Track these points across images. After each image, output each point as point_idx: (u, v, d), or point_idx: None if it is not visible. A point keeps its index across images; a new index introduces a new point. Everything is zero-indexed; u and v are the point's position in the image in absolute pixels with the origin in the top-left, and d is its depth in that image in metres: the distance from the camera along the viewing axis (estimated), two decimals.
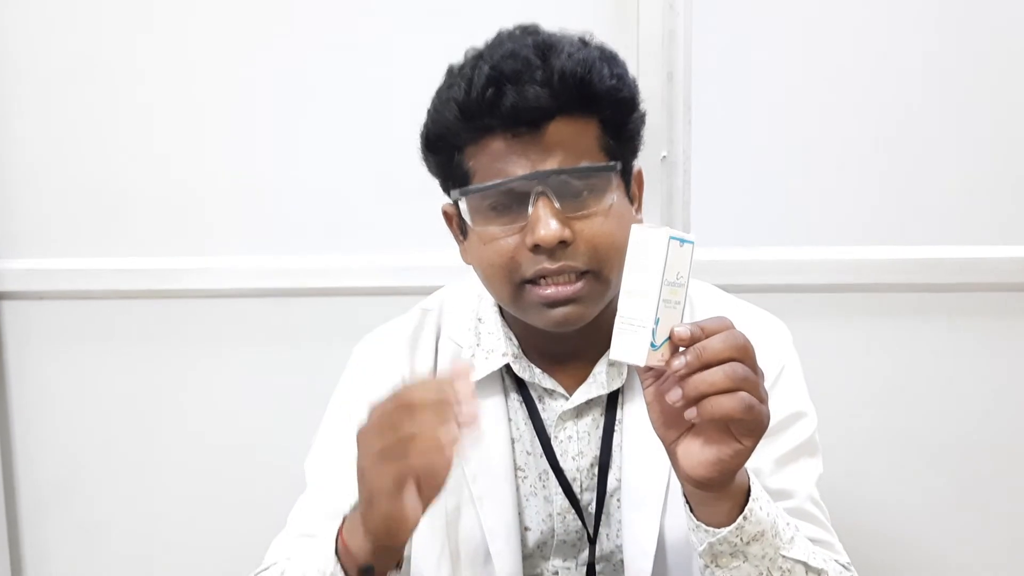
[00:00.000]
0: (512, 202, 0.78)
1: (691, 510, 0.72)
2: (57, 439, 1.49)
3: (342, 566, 0.70)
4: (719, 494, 0.69)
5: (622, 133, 0.82)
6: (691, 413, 0.64)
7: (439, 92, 0.83)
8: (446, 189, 0.85)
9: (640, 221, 0.86)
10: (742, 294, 0.99)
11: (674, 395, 0.64)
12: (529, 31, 0.81)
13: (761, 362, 0.85)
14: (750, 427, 0.64)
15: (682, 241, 0.65)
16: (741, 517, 0.69)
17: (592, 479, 0.88)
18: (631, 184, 0.86)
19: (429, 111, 0.83)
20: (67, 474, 1.50)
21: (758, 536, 0.70)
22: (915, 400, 1.42)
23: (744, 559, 0.71)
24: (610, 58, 0.81)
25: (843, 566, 0.83)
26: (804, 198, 1.37)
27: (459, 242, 0.89)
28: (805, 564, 0.74)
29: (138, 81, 1.39)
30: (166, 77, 1.39)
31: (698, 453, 0.66)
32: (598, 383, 0.87)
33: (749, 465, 0.76)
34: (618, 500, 0.88)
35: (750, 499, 0.70)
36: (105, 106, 1.40)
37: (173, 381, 1.46)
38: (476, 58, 0.80)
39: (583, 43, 0.81)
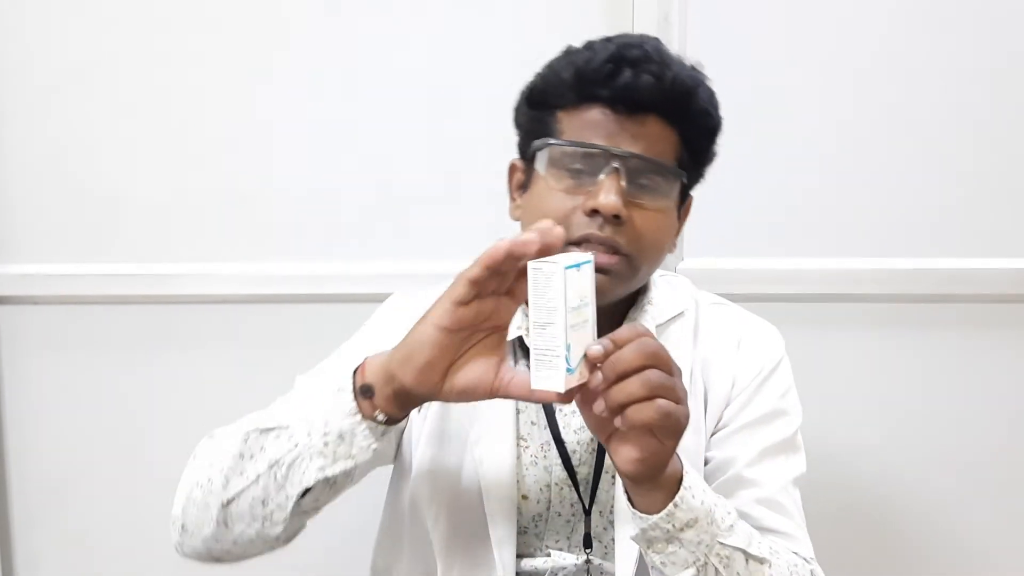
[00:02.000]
0: (587, 167, 0.84)
1: (630, 500, 0.76)
2: (50, 444, 1.48)
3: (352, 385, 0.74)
4: (651, 485, 0.73)
5: (695, 156, 0.89)
6: (619, 422, 0.67)
7: (556, 58, 0.89)
8: (527, 143, 0.90)
9: (674, 247, 0.92)
10: (737, 303, 1.00)
11: (598, 407, 0.68)
12: (651, 37, 0.88)
13: (755, 357, 0.92)
14: (669, 431, 0.68)
15: (578, 266, 0.67)
16: (672, 504, 0.73)
17: (591, 454, 0.91)
18: (683, 206, 0.92)
19: (540, 71, 0.90)
20: (60, 479, 1.49)
21: (691, 523, 0.73)
22: (908, 408, 1.43)
23: (680, 545, 0.74)
24: (710, 89, 0.89)
25: (804, 559, 0.85)
26: (798, 208, 1.39)
27: (512, 197, 0.95)
28: (744, 551, 0.76)
29: (132, 87, 1.39)
30: (160, 83, 1.39)
31: (626, 451, 0.70)
32: None
33: (727, 454, 0.87)
34: (613, 476, 0.90)
35: (681, 487, 0.73)
36: (99, 111, 1.40)
37: (167, 386, 1.46)
38: (602, 40, 0.87)
39: (693, 68, 0.88)
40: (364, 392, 0.73)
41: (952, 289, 1.38)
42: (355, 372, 0.74)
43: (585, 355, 0.67)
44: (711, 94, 0.88)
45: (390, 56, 1.37)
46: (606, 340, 0.68)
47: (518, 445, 0.91)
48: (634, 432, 0.69)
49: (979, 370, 1.41)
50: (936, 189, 1.37)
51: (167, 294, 1.42)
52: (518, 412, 0.91)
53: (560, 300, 0.65)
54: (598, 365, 0.68)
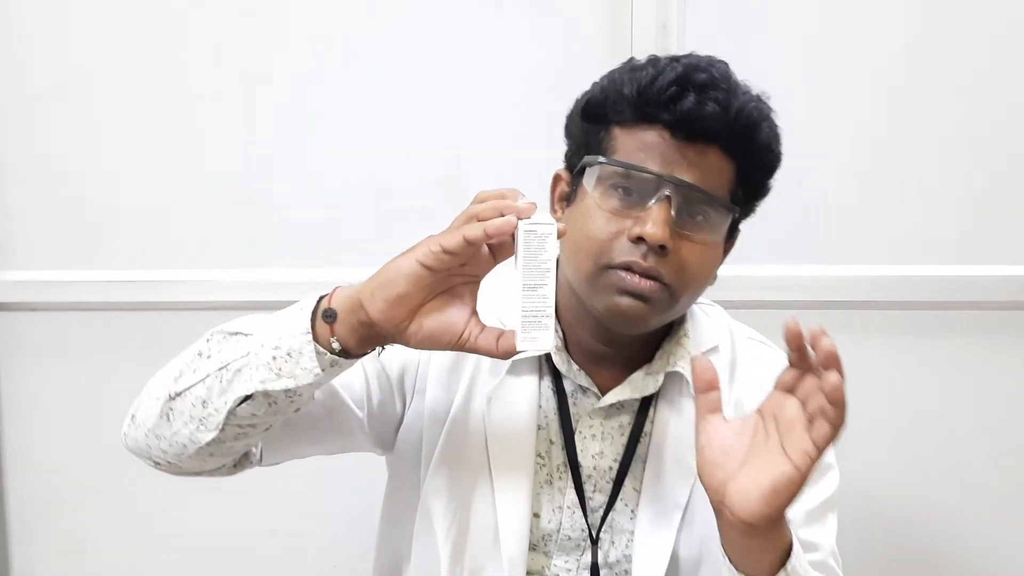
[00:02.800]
0: (637, 191, 0.80)
1: (731, 561, 0.73)
2: (48, 451, 1.48)
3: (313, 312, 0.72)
4: (764, 543, 0.70)
5: (749, 190, 0.86)
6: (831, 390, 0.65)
7: (617, 71, 0.84)
8: (577, 157, 0.86)
9: (715, 279, 0.87)
10: (736, 310, 1.00)
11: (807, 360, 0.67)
12: (719, 61, 0.84)
13: None
14: (830, 433, 0.65)
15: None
16: (783, 572, 0.70)
17: (608, 483, 0.89)
18: (730, 239, 0.89)
19: (599, 82, 0.86)
20: (57, 487, 1.49)
21: None
22: (910, 415, 1.43)
23: None
24: (774, 122, 0.85)
25: None
26: (798, 216, 1.39)
27: (553, 208, 0.90)
28: None
29: (130, 94, 1.39)
30: (158, 90, 1.39)
31: (753, 487, 0.67)
32: (631, 387, 0.88)
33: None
34: (632, 511, 0.89)
35: (792, 555, 0.71)
36: (96, 119, 1.40)
37: None
38: (668, 58, 0.82)
39: (759, 98, 0.84)
40: (326, 316, 0.71)
41: (955, 296, 1.38)
42: (322, 297, 0.73)
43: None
44: (775, 128, 0.85)
45: (390, 65, 1.37)
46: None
47: (535, 462, 0.89)
48: (764, 453, 0.68)
49: (982, 377, 1.41)
50: (938, 196, 1.37)
51: (165, 300, 1.41)
52: (539, 428, 0.89)
53: (552, 261, 0.68)
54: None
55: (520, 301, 0.68)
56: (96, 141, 1.40)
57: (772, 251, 1.38)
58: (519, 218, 0.68)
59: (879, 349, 1.41)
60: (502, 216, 0.67)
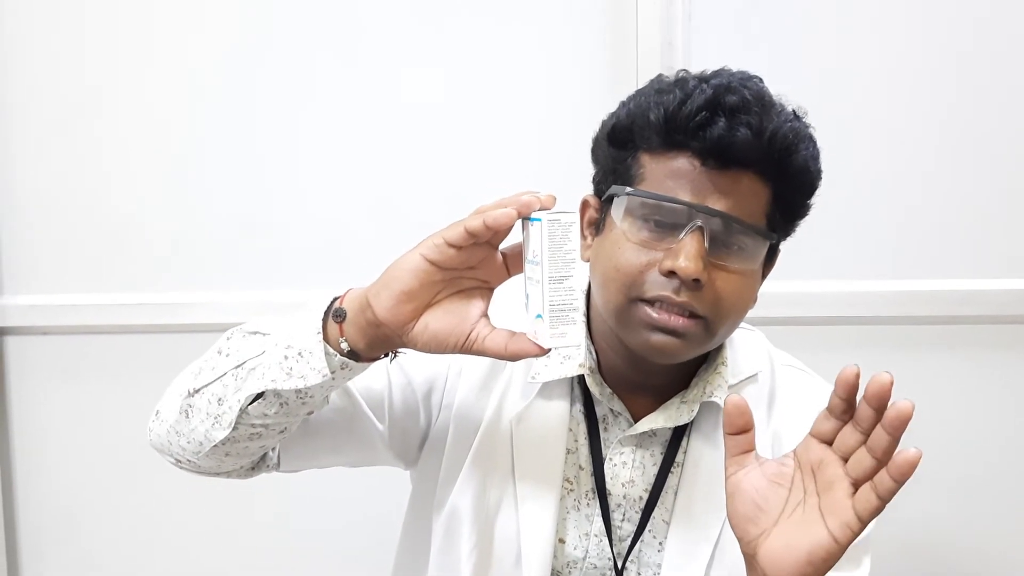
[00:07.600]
0: (668, 221, 0.77)
1: None
2: (59, 474, 1.48)
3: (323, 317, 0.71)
4: None
5: (788, 213, 0.82)
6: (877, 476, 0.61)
7: (643, 92, 0.81)
8: (605, 183, 0.83)
9: (755, 301, 0.84)
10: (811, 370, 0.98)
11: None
12: (751, 77, 0.80)
13: None
14: (877, 507, 0.62)
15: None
16: None
17: (637, 512, 0.87)
18: (770, 261, 0.85)
19: (625, 104, 0.82)
20: (69, 509, 1.49)
21: None
22: (918, 430, 1.41)
23: None
24: (813, 140, 0.81)
25: None
26: (804, 231, 1.38)
27: (583, 235, 0.86)
28: None
29: (140, 117, 1.41)
30: (168, 114, 1.40)
31: (786, 552, 0.64)
32: (665, 416, 0.85)
33: None
34: (660, 543, 0.86)
35: None
36: (107, 142, 1.41)
37: None
38: (698, 78, 0.79)
39: (796, 116, 0.80)
40: (336, 316, 0.71)
41: (964, 311, 1.37)
42: (336, 299, 0.72)
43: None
44: (813, 148, 0.80)
45: (395, 85, 1.39)
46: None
47: (563, 487, 0.87)
48: (801, 520, 0.64)
49: (992, 391, 1.40)
50: (945, 210, 1.37)
51: (175, 323, 1.42)
52: (568, 452, 0.86)
53: (576, 251, 0.65)
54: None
55: (546, 295, 0.65)
56: (105, 166, 1.42)
57: (780, 267, 1.38)
58: (520, 215, 0.66)
59: (889, 365, 1.38)
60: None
